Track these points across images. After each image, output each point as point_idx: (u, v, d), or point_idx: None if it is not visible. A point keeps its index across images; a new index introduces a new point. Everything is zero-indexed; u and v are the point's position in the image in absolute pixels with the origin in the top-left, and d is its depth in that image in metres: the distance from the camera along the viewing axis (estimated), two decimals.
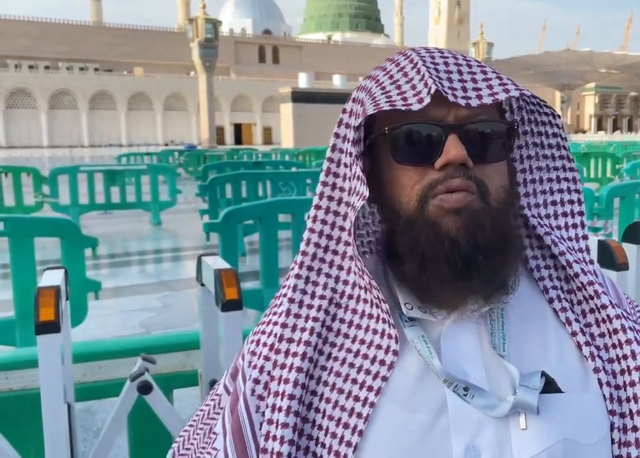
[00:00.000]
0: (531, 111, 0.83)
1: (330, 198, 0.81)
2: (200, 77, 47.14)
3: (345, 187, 0.80)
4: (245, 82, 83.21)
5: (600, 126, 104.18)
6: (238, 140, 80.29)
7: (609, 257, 1.93)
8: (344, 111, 0.81)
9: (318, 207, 0.81)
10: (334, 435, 0.75)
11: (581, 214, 0.84)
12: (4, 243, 4.15)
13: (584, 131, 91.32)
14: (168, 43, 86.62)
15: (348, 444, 0.74)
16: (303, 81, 44.58)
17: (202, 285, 1.89)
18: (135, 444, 2.21)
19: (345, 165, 0.80)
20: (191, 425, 0.96)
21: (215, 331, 1.86)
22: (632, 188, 6.70)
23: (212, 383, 1.89)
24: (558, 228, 0.83)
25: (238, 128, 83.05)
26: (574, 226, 0.84)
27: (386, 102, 0.73)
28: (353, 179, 0.77)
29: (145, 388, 1.82)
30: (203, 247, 8.90)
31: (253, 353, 0.84)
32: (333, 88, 47.20)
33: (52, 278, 1.67)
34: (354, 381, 0.76)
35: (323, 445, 0.76)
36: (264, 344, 0.83)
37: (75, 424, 1.76)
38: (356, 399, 0.76)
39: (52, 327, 1.50)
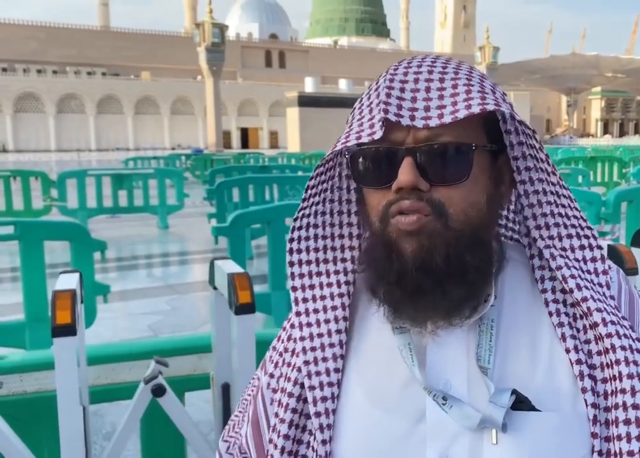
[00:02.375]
0: (522, 131, 0.80)
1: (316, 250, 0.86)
2: (207, 82, 47.25)
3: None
4: (252, 86, 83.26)
5: (606, 130, 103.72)
6: (244, 144, 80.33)
7: (619, 262, 1.93)
8: None
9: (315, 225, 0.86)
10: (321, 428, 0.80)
11: (589, 228, 0.81)
12: (14, 247, 4.18)
13: (590, 135, 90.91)
14: (175, 47, 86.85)
15: (323, 442, 0.79)
16: (309, 86, 44.56)
17: (215, 288, 1.91)
18: (147, 446, 2.22)
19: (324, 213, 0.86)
20: (240, 411, 1.02)
21: (228, 334, 1.88)
22: (639, 192, 6.69)
23: (224, 386, 1.90)
24: (569, 236, 0.80)
25: (244, 132, 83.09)
26: (586, 236, 0.81)
27: (356, 133, 0.75)
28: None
29: (159, 391, 1.83)
30: (210, 251, 8.92)
31: (274, 348, 0.91)
32: (339, 92, 47.09)
33: (67, 281, 1.69)
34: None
35: (314, 439, 0.81)
36: (282, 340, 0.90)
37: (89, 427, 1.78)
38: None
39: (68, 330, 1.52)
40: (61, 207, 11.27)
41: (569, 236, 0.80)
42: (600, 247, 0.81)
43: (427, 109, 0.73)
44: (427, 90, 0.74)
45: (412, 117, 0.73)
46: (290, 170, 13.21)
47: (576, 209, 0.81)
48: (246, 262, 5.38)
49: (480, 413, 0.72)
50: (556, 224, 0.80)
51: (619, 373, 0.74)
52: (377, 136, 0.72)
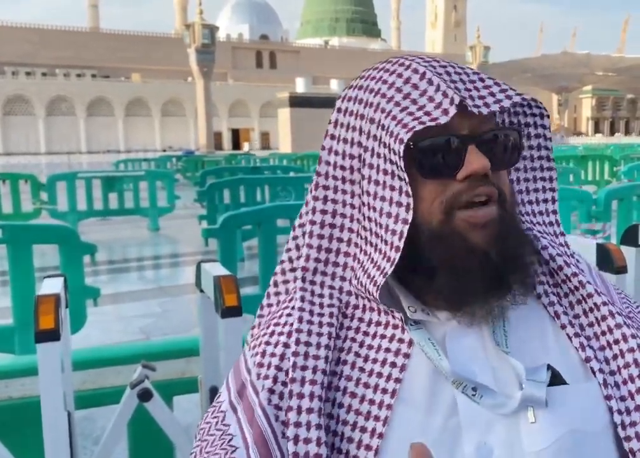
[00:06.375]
0: (515, 113, 0.83)
1: (323, 212, 0.81)
2: (198, 83, 47.14)
3: (338, 199, 0.81)
4: (243, 87, 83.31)
5: (597, 129, 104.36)
6: (236, 145, 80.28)
7: (608, 261, 1.92)
8: (330, 122, 0.81)
9: (313, 223, 0.81)
10: (350, 440, 0.75)
11: (554, 212, 0.87)
12: (2, 251, 4.15)
13: (582, 134, 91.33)
14: (166, 49, 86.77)
15: (368, 448, 0.73)
16: (300, 86, 44.54)
17: (201, 291, 1.89)
18: (135, 451, 2.20)
19: (335, 178, 0.81)
20: (201, 440, 0.89)
21: (215, 338, 1.86)
22: (630, 190, 6.72)
23: (213, 389, 1.89)
24: (541, 230, 0.85)
25: (236, 133, 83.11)
26: (551, 223, 0.87)
27: (412, 119, 0.72)
28: (363, 195, 0.79)
29: (145, 396, 1.82)
30: (201, 253, 8.89)
31: (260, 365, 0.82)
32: (331, 92, 47.19)
33: (51, 286, 1.67)
34: (366, 385, 0.76)
35: (340, 451, 0.75)
36: (272, 354, 0.81)
37: (75, 432, 1.75)
38: (371, 402, 0.75)
39: (52, 335, 1.50)
40: (51, 210, 11.21)
41: (541, 229, 0.86)
42: (562, 234, 0.87)
43: (472, 98, 0.74)
44: (462, 81, 0.76)
45: (465, 106, 0.73)
46: (282, 171, 13.21)
47: (551, 190, 0.86)
48: (237, 264, 5.36)
49: (517, 395, 0.72)
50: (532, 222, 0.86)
51: (623, 335, 0.78)
52: (445, 119, 0.71)
